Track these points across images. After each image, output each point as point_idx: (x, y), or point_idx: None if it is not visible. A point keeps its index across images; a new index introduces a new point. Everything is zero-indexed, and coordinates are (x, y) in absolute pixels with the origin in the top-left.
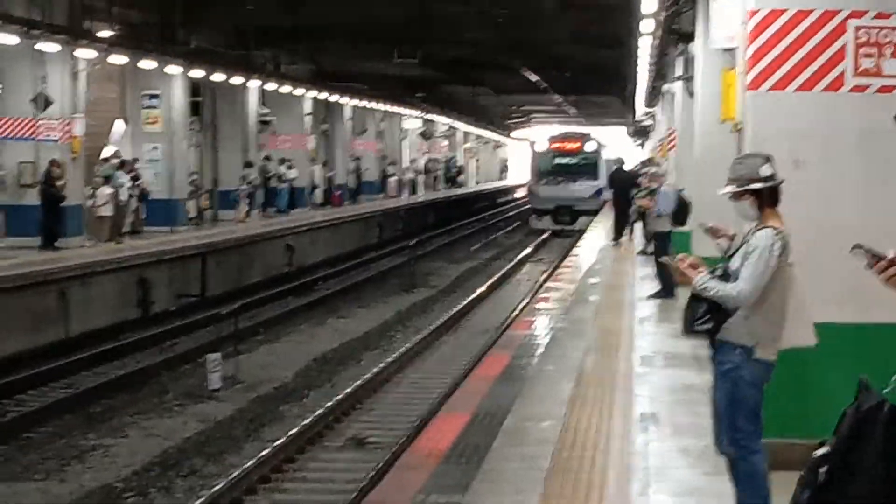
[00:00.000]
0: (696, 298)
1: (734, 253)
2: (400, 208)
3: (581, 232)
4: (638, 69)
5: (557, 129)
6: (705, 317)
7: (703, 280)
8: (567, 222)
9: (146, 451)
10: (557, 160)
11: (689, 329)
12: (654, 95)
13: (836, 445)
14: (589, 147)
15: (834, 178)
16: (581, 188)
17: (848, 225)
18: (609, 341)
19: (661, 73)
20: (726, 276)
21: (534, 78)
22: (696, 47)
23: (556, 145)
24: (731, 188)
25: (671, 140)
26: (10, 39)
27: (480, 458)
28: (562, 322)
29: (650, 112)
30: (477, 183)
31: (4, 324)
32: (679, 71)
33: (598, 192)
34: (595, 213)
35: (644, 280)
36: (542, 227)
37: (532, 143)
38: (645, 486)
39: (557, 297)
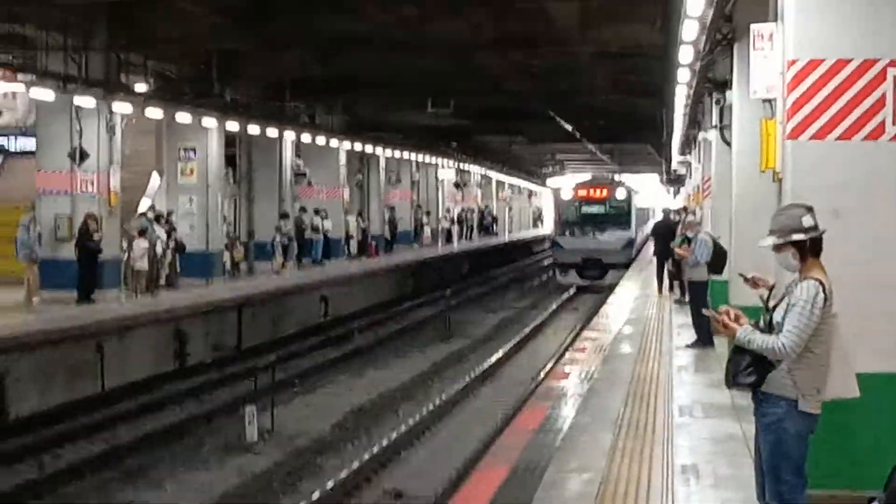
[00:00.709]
0: (739, 351)
1: (776, 304)
2: (435, 258)
3: (612, 286)
4: (673, 117)
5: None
6: (749, 369)
7: (746, 333)
8: (595, 276)
9: None
10: (585, 209)
11: (733, 382)
12: (688, 143)
13: (889, 500)
14: (619, 194)
15: (875, 227)
16: (611, 239)
17: (891, 273)
18: (647, 391)
19: (695, 121)
20: (769, 328)
21: (568, 127)
22: (733, 96)
23: (583, 192)
24: (772, 239)
25: (706, 188)
26: (48, 94)
27: None
28: (599, 372)
29: (684, 160)
30: (510, 232)
31: (42, 378)
32: (715, 119)
33: (630, 243)
34: (626, 266)
35: (681, 329)
36: (567, 283)
37: (556, 191)
38: None
39: (594, 347)
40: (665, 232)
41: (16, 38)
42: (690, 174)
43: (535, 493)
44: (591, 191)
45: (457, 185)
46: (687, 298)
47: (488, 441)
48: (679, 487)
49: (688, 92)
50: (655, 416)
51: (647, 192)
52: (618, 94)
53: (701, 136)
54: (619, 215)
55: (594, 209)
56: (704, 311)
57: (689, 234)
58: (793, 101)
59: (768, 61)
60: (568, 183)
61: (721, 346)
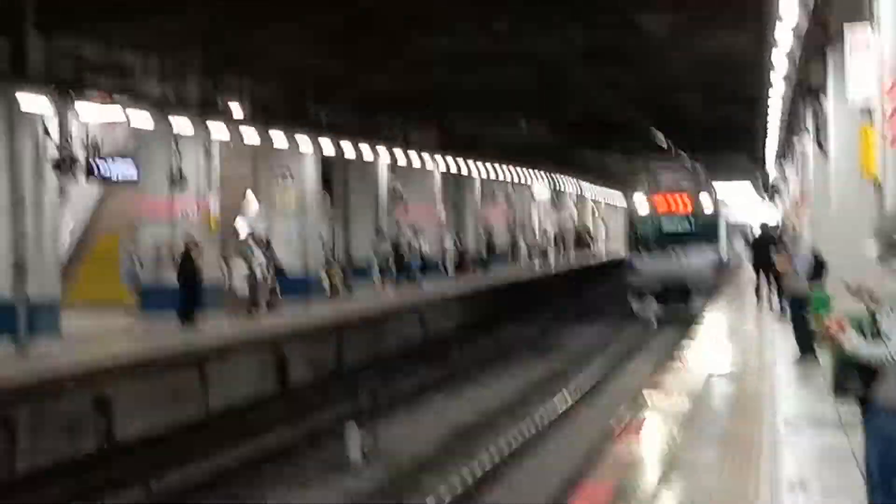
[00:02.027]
0: (845, 360)
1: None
2: (532, 277)
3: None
4: (768, 126)
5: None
6: (855, 378)
7: (852, 341)
8: (679, 302)
9: None
10: (666, 225)
11: (840, 390)
12: (784, 152)
13: None
14: (705, 204)
15: None
16: (697, 261)
17: None
18: (750, 405)
19: (791, 129)
20: (876, 337)
21: (662, 139)
22: (828, 103)
23: (662, 207)
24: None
25: (804, 201)
26: (147, 123)
27: None
28: (701, 387)
29: (780, 169)
30: (607, 248)
31: (146, 402)
32: (810, 126)
33: (719, 264)
34: (714, 291)
35: (783, 343)
36: (646, 315)
37: (629, 202)
38: None
39: (694, 362)
40: (765, 245)
41: (114, 65)
42: (787, 185)
43: None
44: (672, 201)
45: (552, 203)
46: (788, 312)
47: (590, 458)
48: (786, 501)
49: (783, 100)
50: (760, 430)
51: (740, 204)
52: (711, 104)
53: (798, 147)
54: (707, 228)
55: (677, 225)
56: (809, 321)
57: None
58: (893, 108)
59: (865, 66)
60: (640, 193)
61: (824, 359)
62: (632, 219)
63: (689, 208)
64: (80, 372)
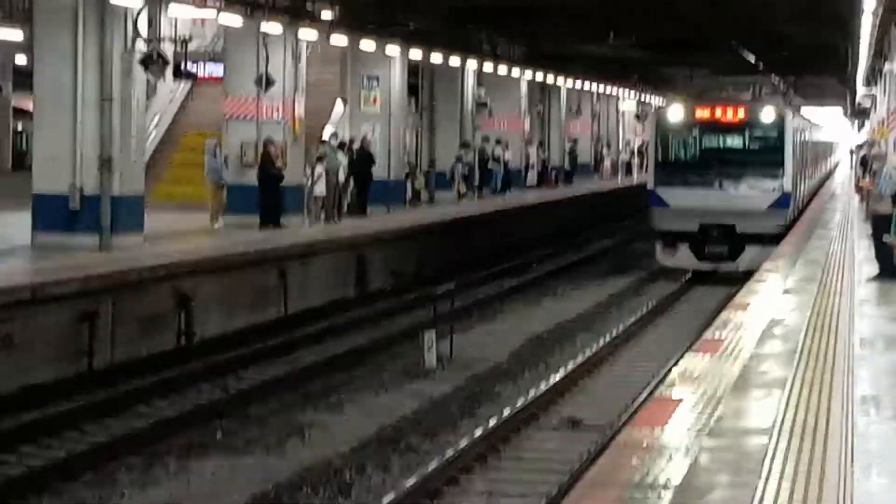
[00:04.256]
0: None
1: None
2: (614, 190)
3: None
4: (859, 48)
5: None
6: None
7: None
8: (722, 255)
9: (363, 429)
10: (707, 140)
11: None
12: (874, 75)
13: None
14: (765, 117)
15: None
16: (751, 194)
17: None
18: (827, 323)
19: (881, 52)
20: None
21: (751, 58)
22: None
23: (704, 113)
24: None
25: (892, 120)
26: (236, 21)
27: (700, 438)
28: (779, 304)
29: (869, 93)
30: None
31: (227, 301)
32: None
33: (783, 200)
34: (776, 239)
35: (863, 262)
36: (674, 265)
37: (658, 110)
38: (867, 469)
39: (773, 280)
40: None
41: None
42: (875, 107)
43: (712, 420)
44: (719, 111)
45: (637, 117)
46: (869, 230)
47: (666, 370)
48: (859, 418)
49: (874, 21)
50: (836, 347)
51: (821, 120)
52: (802, 24)
53: (887, 67)
54: (767, 152)
55: (723, 141)
56: (885, 239)
57: (875, 167)
58: None
59: None
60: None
61: None
62: (658, 131)
63: (742, 117)
64: (162, 269)
